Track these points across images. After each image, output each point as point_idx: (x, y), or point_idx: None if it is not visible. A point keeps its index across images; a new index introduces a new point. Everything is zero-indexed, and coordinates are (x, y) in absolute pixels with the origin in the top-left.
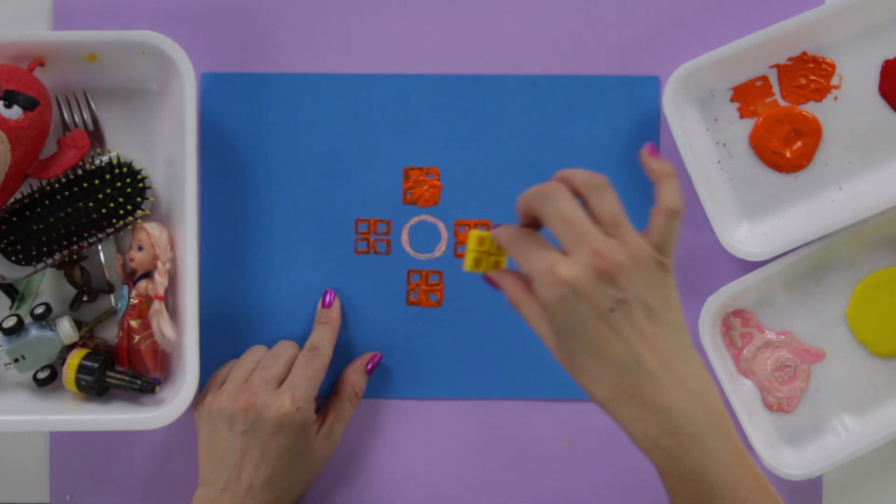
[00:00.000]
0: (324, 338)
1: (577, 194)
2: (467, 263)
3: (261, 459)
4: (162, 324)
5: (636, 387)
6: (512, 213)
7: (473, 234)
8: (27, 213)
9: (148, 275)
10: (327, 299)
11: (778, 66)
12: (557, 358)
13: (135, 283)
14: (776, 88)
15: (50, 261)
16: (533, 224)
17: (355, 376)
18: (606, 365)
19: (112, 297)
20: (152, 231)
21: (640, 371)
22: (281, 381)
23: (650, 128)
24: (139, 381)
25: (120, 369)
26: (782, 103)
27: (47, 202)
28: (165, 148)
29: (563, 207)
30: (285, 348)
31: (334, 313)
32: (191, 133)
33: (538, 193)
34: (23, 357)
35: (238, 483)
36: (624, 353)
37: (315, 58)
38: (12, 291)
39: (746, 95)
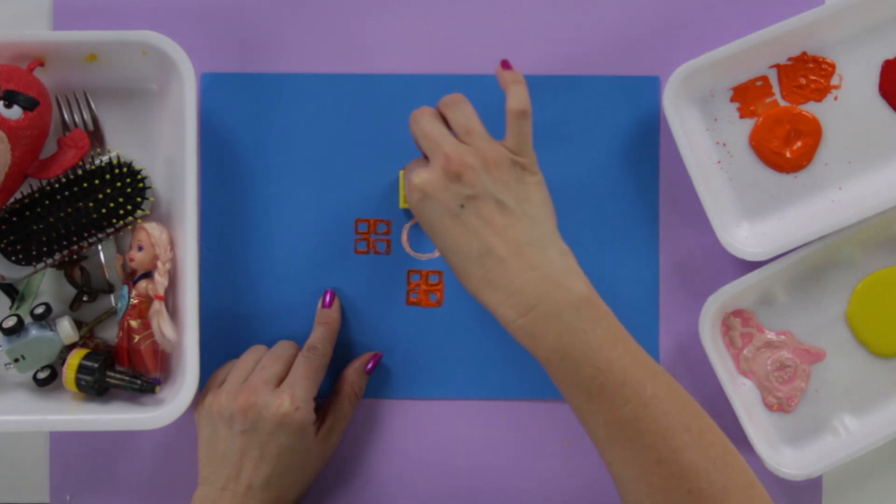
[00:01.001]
0: (323, 338)
1: (440, 116)
2: (401, 201)
3: (260, 459)
4: (162, 324)
5: (491, 274)
6: None
7: (401, 173)
8: (27, 213)
9: (148, 275)
10: (327, 299)
11: (778, 66)
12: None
13: (135, 283)
14: (776, 88)
15: (50, 261)
16: None
17: (355, 376)
18: (464, 258)
19: (112, 297)
20: (152, 231)
21: (493, 259)
22: (280, 381)
23: (650, 128)
24: (139, 381)
25: (120, 369)
26: (782, 103)
27: (47, 202)
28: (165, 148)
29: (425, 124)
30: (285, 348)
31: (334, 313)
32: (191, 133)
33: (411, 118)
34: (23, 357)
35: (237, 483)
36: (476, 243)
37: (315, 58)
38: (12, 291)
39: (746, 95)
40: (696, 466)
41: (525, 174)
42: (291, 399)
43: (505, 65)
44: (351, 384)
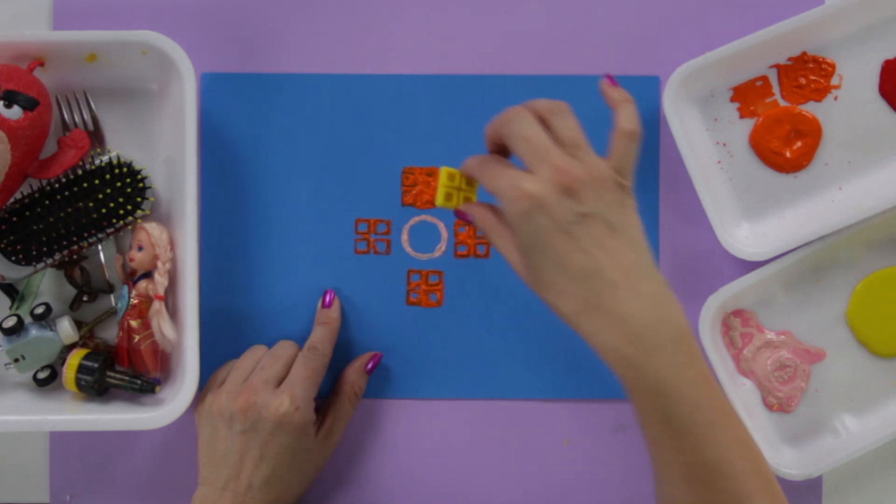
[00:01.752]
0: (323, 338)
1: (541, 120)
2: (438, 198)
3: (260, 459)
4: (162, 324)
5: (599, 297)
6: None
7: (444, 170)
8: (27, 213)
9: (148, 275)
10: (327, 299)
11: (778, 66)
12: (524, 278)
13: (135, 283)
14: (776, 88)
15: (50, 261)
16: (500, 152)
17: (355, 376)
18: (570, 277)
19: (112, 297)
20: (152, 231)
21: (602, 281)
22: (280, 381)
23: (650, 128)
24: (139, 381)
25: (120, 369)
26: (782, 103)
27: (47, 202)
28: (165, 148)
29: (526, 129)
30: (285, 348)
31: (334, 313)
32: (191, 133)
33: (503, 118)
34: (23, 357)
35: (237, 483)
36: (586, 263)
37: (315, 58)
38: (12, 291)
39: (746, 95)
40: None
41: (626, 197)
42: (291, 399)
43: (611, 80)
44: (351, 384)
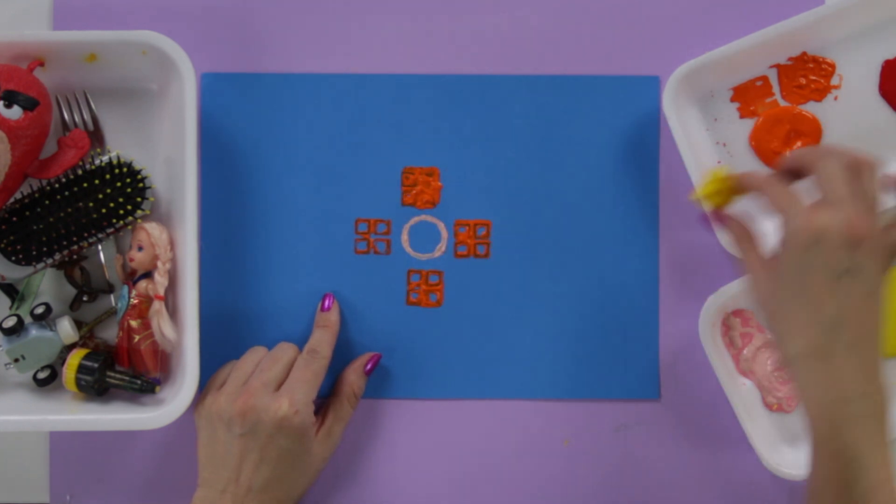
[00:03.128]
0: (323, 341)
1: (850, 167)
2: (703, 190)
3: (260, 462)
4: (162, 324)
5: (831, 349)
6: (513, 212)
7: (713, 170)
8: (27, 213)
9: (148, 275)
10: (326, 303)
11: (778, 66)
12: (760, 299)
13: (135, 283)
14: (776, 88)
15: (50, 261)
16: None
17: (354, 377)
18: (814, 320)
19: (112, 297)
20: (152, 231)
21: (840, 336)
22: (280, 384)
23: (650, 128)
24: (139, 381)
25: (120, 369)
26: (782, 103)
27: (47, 202)
28: (165, 148)
29: (838, 171)
30: (284, 350)
31: (333, 316)
32: (191, 133)
33: (820, 153)
34: (23, 357)
35: (237, 485)
36: (836, 314)
37: (315, 58)
38: (12, 291)
39: (746, 95)
40: None
41: (891, 268)
42: (290, 402)
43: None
44: (350, 385)
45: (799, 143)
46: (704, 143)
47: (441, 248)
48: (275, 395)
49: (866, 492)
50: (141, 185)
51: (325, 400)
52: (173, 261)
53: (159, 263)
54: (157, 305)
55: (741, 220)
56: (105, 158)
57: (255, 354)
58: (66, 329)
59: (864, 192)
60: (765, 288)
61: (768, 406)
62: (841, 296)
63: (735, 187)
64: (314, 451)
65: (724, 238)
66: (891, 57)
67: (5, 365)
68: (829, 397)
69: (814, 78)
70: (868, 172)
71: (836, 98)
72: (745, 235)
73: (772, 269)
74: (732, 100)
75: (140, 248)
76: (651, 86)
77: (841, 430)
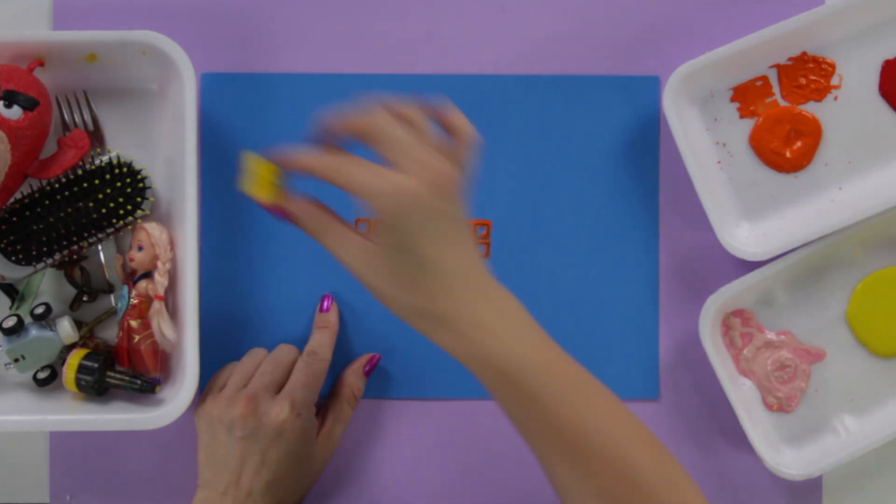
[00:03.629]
0: (322, 342)
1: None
2: (251, 187)
3: (260, 465)
4: (162, 324)
5: (452, 296)
6: (513, 212)
7: (254, 157)
8: (27, 213)
9: (148, 275)
10: (325, 304)
11: (778, 66)
12: (369, 279)
13: (135, 283)
14: (776, 88)
15: (50, 261)
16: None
17: (353, 378)
18: (430, 276)
19: (112, 297)
20: (152, 231)
21: (456, 280)
22: (280, 387)
23: (650, 128)
24: (139, 381)
25: (120, 369)
26: (782, 103)
27: (47, 202)
28: (165, 148)
29: (394, 127)
30: (284, 353)
31: (332, 317)
32: (191, 133)
33: (368, 115)
34: (23, 357)
35: (238, 488)
36: (445, 262)
37: (315, 58)
38: (12, 291)
39: (746, 95)
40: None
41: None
42: (291, 406)
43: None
44: (349, 386)
45: (799, 143)
46: (704, 143)
47: None
48: (276, 399)
49: (545, 389)
50: (141, 185)
51: (325, 401)
52: (173, 261)
53: (159, 263)
54: (157, 305)
55: (310, 204)
56: (105, 158)
57: (256, 356)
58: (66, 329)
59: (427, 140)
60: (366, 265)
61: (768, 406)
62: (445, 243)
63: (277, 174)
64: (315, 453)
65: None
66: (891, 57)
67: (5, 365)
68: (471, 341)
69: (814, 78)
70: (419, 120)
71: (836, 98)
72: (322, 219)
73: (369, 247)
74: (732, 100)
75: (140, 248)
76: (651, 86)
77: (492, 352)
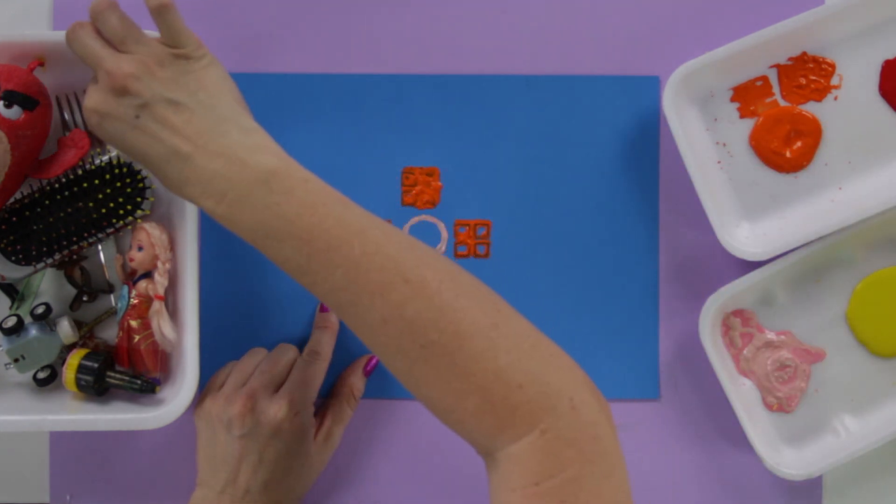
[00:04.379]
0: (322, 342)
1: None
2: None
3: (258, 464)
4: (162, 324)
5: (184, 173)
6: (513, 212)
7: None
8: (27, 213)
9: (148, 275)
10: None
11: (778, 66)
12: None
13: (135, 283)
14: (776, 88)
15: (50, 261)
16: None
17: (353, 378)
18: (156, 164)
19: (112, 297)
20: (152, 231)
21: (178, 158)
22: (280, 386)
23: (650, 128)
24: (139, 381)
25: (120, 369)
26: (782, 103)
27: (47, 202)
28: None
29: (84, 41)
30: (284, 352)
31: (333, 317)
32: None
33: (67, 38)
34: (23, 357)
35: (235, 487)
36: (160, 148)
37: (315, 58)
38: (12, 291)
39: (746, 95)
40: (422, 318)
41: (190, 63)
42: (290, 405)
43: None
44: (349, 386)
45: (799, 143)
46: (704, 143)
47: (441, 248)
48: (275, 398)
49: (298, 252)
50: (141, 185)
51: (325, 401)
52: (173, 261)
53: (159, 263)
54: (157, 305)
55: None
56: (105, 158)
57: (255, 356)
58: (66, 329)
59: (110, 36)
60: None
61: (768, 406)
62: (153, 132)
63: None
64: (313, 452)
65: None
66: (891, 57)
67: (5, 365)
68: (210, 205)
69: (814, 78)
70: (101, 18)
71: (836, 98)
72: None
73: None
74: (732, 100)
75: (140, 248)
76: (651, 86)
77: (236, 222)
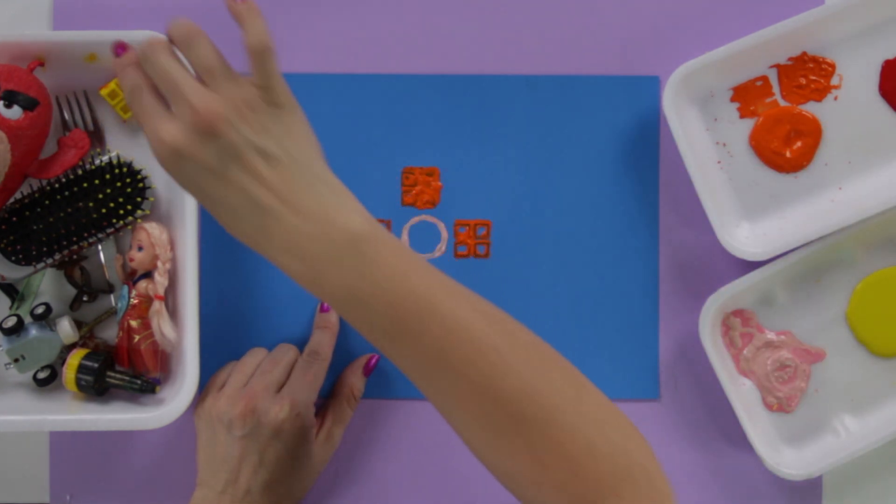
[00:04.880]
0: (323, 342)
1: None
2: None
3: (259, 464)
4: (162, 324)
5: (267, 229)
6: (513, 212)
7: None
8: (27, 213)
9: (148, 275)
10: (325, 304)
11: (778, 66)
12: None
13: (135, 283)
14: (776, 88)
15: (50, 261)
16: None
17: (353, 378)
18: (236, 218)
19: (112, 297)
20: (152, 231)
21: (262, 213)
22: (280, 386)
23: (650, 128)
24: (139, 381)
25: (120, 369)
26: (782, 103)
27: (47, 202)
28: None
29: (164, 65)
30: (284, 352)
31: (333, 317)
32: None
33: (140, 53)
34: (23, 357)
35: (236, 487)
36: (245, 200)
37: (315, 58)
38: (12, 291)
39: (746, 95)
40: (514, 391)
41: (282, 112)
42: (291, 405)
43: None
44: (349, 386)
45: (799, 143)
46: (704, 143)
47: (441, 248)
48: (276, 398)
49: (387, 319)
50: (141, 185)
51: (325, 401)
52: (173, 261)
53: (159, 263)
54: (157, 305)
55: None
56: (105, 158)
57: (256, 356)
58: (66, 329)
59: (198, 67)
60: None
61: (768, 406)
62: (239, 183)
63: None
64: (314, 453)
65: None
66: (891, 57)
67: (5, 365)
68: (295, 267)
69: (814, 78)
70: (189, 45)
71: (836, 98)
72: (134, 86)
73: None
74: (732, 100)
75: (140, 248)
76: (651, 86)
77: (323, 285)
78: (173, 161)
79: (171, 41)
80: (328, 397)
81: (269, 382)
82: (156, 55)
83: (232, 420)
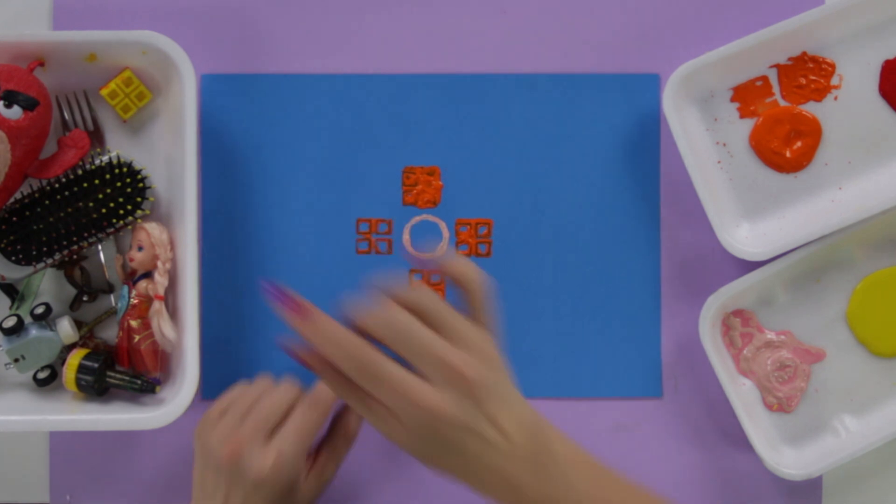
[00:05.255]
0: (327, 389)
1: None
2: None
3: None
4: (162, 324)
5: (487, 469)
6: (513, 211)
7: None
8: (27, 213)
9: (148, 275)
10: None
11: (778, 66)
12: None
13: (135, 283)
14: (776, 88)
15: (50, 261)
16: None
17: (349, 417)
18: (471, 472)
19: (112, 297)
20: (152, 231)
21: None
22: (275, 427)
23: (650, 127)
24: (139, 381)
25: (120, 369)
26: (782, 103)
27: (47, 202)
28: (165, 148)
29: (409, 328)
30: (286, 391)
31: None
32: (191, 133)
33: (376, 321)
34: (23, 357)
35: None
36: (486, 452)
37: (315, 58)
38: (12, 291)
39: (746, 95)
40: None
41: (498, 349)
42: (277, 457)
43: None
44: (345, 425)
45: (799, 143)
46: (704, 143)
47: (442, 247)
48: (263, 448)
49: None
50: (141, 185)
51: (321, 438)
52: (173, 261)
53: (159, 263)
54: (157, 305)
55: (333, 372)
56: (105, 158)
57: (259, 387)
58: (66, 329)
59: (440, 326)
60: (400, 440)
61: (768, 406)
62: (486, 436)
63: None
64: (303, 491)
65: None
66: (891, 57)
67: (5, 365)
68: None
69: (814, 78)
70: (432, 305)
71: (836, 98)
72: (353, 395)
73: (415, 445)
74: (732, 100)
75: (140, 248)
76: (651, 83)
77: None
78: (431, 423)
79: (404, 304)
80: (326, 433)
81: (262, 425)
82: (394, 318)
83: (220, 461)
